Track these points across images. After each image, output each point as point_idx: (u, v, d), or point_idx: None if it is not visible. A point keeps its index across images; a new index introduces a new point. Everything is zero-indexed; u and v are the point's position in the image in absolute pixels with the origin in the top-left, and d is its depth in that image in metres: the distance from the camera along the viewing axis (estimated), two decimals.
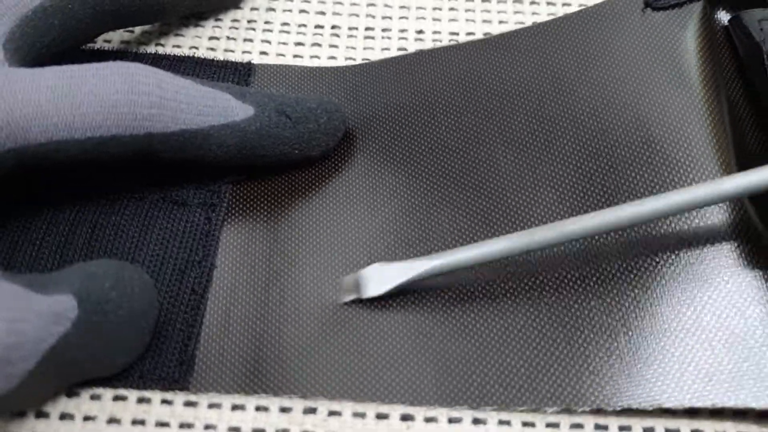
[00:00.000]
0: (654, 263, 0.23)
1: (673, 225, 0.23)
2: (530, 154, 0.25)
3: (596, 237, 0.23)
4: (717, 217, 0.23)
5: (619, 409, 0.21)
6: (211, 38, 0.29)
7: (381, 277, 0.22)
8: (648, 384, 0.21)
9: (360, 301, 0.23)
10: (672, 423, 0.21)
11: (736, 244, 0.23)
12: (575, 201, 0.24)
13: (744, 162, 0.24)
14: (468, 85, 0.27)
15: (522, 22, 0.30)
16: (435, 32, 0.30)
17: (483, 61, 0.28)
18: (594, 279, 0.23)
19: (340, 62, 0.29)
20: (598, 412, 0.21)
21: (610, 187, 0.24)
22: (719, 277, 0.22)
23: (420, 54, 0.28)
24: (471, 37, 0.30)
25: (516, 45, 0.28)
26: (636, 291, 0.22)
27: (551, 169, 0.25)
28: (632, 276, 0.23)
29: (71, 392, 0.21)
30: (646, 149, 0.25)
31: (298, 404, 0.21)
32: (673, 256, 0.23)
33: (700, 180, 0.24)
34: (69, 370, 0.20)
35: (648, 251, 0.23)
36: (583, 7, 0.28)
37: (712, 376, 0.21)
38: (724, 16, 0.27)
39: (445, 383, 0.21)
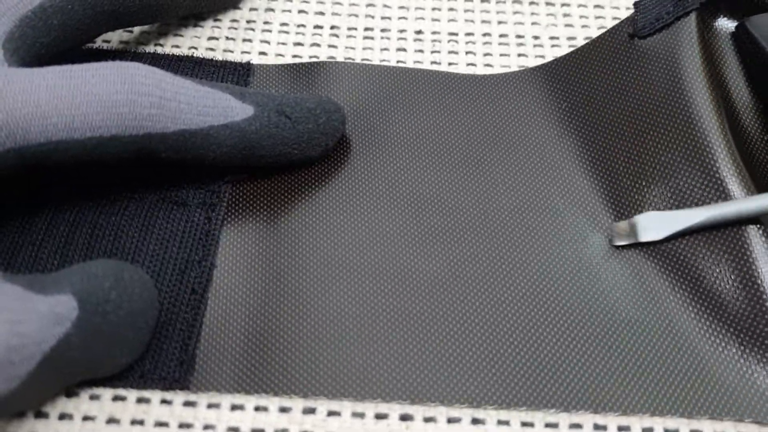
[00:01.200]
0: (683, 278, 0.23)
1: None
2: (532, 185, 0.26)
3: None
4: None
5: (615, 414, 0.21)
6: (210, 38, 0.29)
7: (659, 223, 0.24)
8: (642, 391, 0.21)
9: (355, 309, 0.23)
10: (671, 423, 0.21)
11: None
12: (581, 229, 0.25)
13: (753, 173, 0.24)
14: (465, 118, 0.27)
15: (521, 23, 0.30)
16: (434, 32, 0.30)
17: (478, 97, 0.28)
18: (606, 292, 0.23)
19: None
20: (597, 412, 0.21)
21: (616, 217, 0.25)
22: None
23: (419, 72, 0.28)
24: (470, 38, 0.30)
25: (513, 89, 0.28)
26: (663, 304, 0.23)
27: (554, 202, 0.25)
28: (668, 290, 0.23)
29: (70, 392, 0.21)
30: (653, 178, 0.25)
31: (297, 404, 0.21)
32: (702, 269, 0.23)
33: (711, 200, 0.23)
34: (69, 370, 0.19)
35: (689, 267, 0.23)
36: (573, 48, 0.28)
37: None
38: (726, 24, 0.27)
39: (445, 381, 0.21)
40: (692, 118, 0.24)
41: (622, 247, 0.24)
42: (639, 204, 0.25)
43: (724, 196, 0.23)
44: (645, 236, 0.24)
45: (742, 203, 0.23)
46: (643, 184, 0.25)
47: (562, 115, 0.27)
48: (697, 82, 0.25)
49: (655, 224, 0.24)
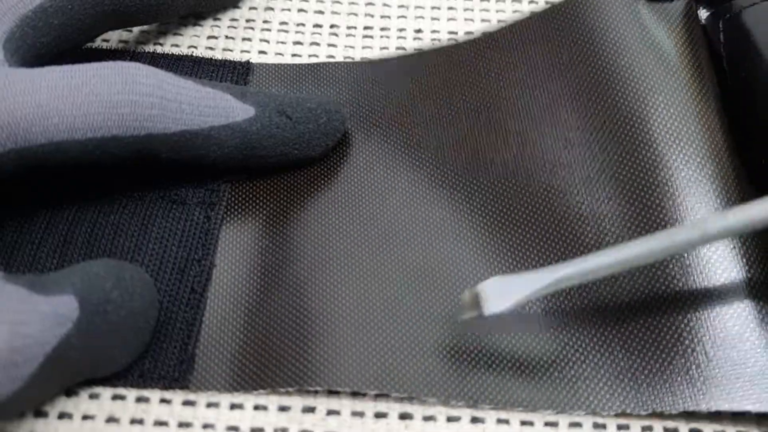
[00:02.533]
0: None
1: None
2: (527, 148, 0.25)
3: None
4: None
5: (613, 414, 0.21)
6: (209, 37, 0.29)
7: (503, 291, 0.20)
8: (642, 389, 0.21)
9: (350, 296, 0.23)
10: (670, 422, 0.21)
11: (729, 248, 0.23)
12: (573, 191, 0.24)
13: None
14: (465, 82, 0.27)
15: None
16: (433, 31, 0.30)
17: (479, 59, 0.28)
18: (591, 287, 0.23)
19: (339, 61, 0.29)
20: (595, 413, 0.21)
21: (604, 173, 0.24)
22: (713, 279, 0.22)
23: (419, 54, 0.28)
24: (470, 37, 0.30)
25: (510, 40, 0.28)
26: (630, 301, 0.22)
27: (549, 159, 0.25)
28: (632, 288, 0.23)
29: (70, 391, 0.21)
30: (635, 139, 0.24)
31: (297, 403, 0.21)
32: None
33: (689, 170, 0.23)
34: (70, 370, 0.20)
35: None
36: None
37: (707, 380, 0.21)
38: (703, 14, 0.28)
39: (443, 379, 0.21)
40: (677, 107, 0.24)
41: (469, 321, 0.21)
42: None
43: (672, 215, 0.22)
44: (489, 308, 0.20)
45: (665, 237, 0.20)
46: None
47: (545, 69, 0.27)
48: (683, 58, 0.25)
49: (499, 292, 0.20)
